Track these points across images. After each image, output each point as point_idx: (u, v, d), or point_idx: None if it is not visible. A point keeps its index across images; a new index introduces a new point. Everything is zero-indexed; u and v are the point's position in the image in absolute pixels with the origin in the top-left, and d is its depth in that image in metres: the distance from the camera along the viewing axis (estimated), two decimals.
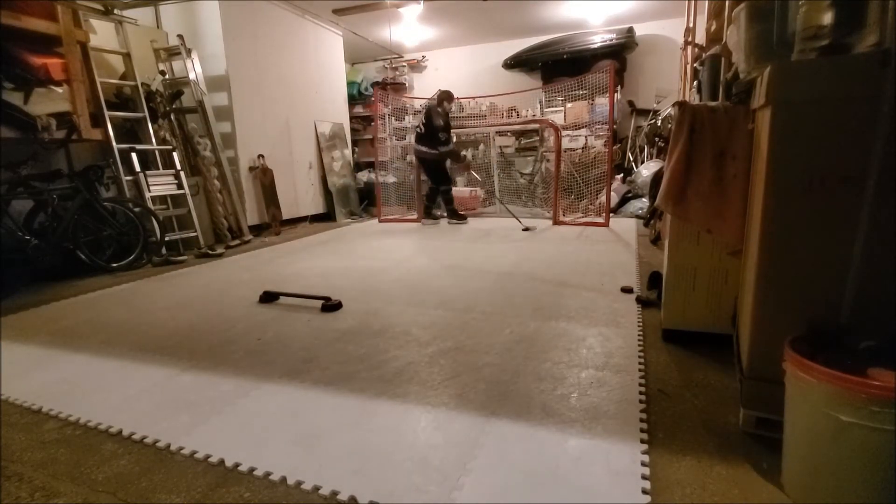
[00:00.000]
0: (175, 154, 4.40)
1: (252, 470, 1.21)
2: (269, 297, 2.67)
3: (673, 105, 4.29)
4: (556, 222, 5.19)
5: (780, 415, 1.12)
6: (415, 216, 5.93)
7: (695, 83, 2.92)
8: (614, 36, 6.59)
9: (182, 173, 4.38)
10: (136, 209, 3.84)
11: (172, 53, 4.78)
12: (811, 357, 1.00)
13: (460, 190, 6.59)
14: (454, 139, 5.49)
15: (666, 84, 6.47)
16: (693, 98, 2.96)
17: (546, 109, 6.88)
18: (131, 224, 3.76)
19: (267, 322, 2.33)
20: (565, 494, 1.09)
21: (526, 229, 4.38)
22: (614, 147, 5.96)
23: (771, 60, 1.23)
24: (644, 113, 6.67)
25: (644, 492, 1.09)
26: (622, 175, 6.27)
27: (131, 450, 1.33)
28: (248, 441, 1.34)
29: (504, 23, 6.73)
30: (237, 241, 4.70)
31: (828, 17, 1.16)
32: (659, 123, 5.92)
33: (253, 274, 3.40)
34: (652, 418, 1.38)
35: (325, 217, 6.38)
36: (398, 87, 8.01)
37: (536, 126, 6.55)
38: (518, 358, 1.82)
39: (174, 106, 4.68)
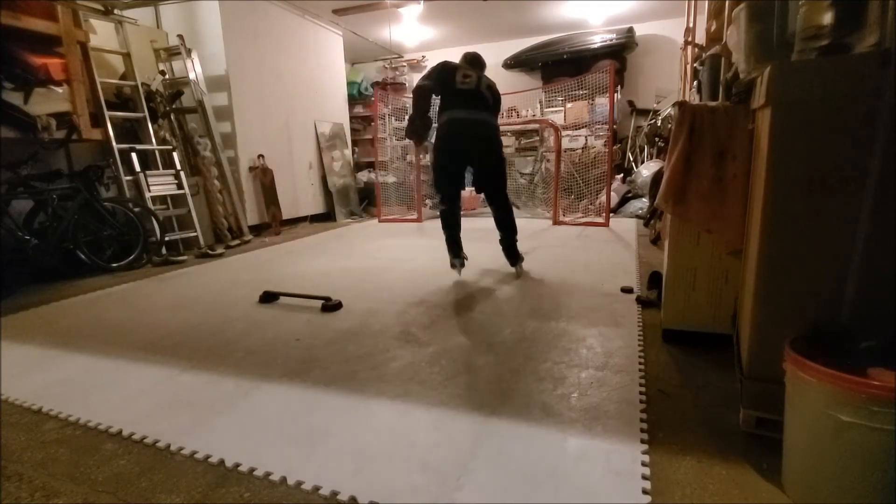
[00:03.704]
0: (175, 154, 4.40)
1: (252, 470, 1.21)
2: (269, 297, 2.67)
3: (673, 105, 4.29)
4: (556, 222, 5.19)
5: (780, 415, 1.12)
6: (415, 216, 5.93)
7: (695, 83, 2.92)
8: (614, 36, 6.59)
9: (182, 173, 4.38)
10: (136, 209, 3.83)
11: (172, 53, 4.77)
12: (811, 357, 1.00)
13: None
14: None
15: (666, 84, 6.46)
16: (693, 98, 2.96)
17: (546, 109, 6.89)
18: (131, 224, 3.76)
19: (267, 322, 2.33)
20: (565, 494, 1.09)
21: None
22: (614, 147, 5.96)
23: (771, 60, 1.23)
24: (644, 113, 6.67)
25: (644, 492, 1.09)
26: (622, 175, 6.27)
27: (131, 450, 1.33)
28: (248, 441, 1.34)
29: (504, 23, 6.73)
30: (237, 241, 4.70)
31: (828, 17, 1.16)
32: (659, 123, 5.92)
33: (253, 274, 3.40)
34: (652, 418, 1.38)
35: (325, 217, 6.39)
36: (398, 87, 8.00)
37: (536, 126, 6.56)
38: (518, 358, 1.82)
39: (174, 106, 4.68)
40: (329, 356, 1.90)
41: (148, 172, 4.16)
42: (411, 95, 2.98)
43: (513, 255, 3.11)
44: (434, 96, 2.89)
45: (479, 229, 5.02)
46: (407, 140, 3.58)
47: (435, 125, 2.94)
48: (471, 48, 3.24)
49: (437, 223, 3.72)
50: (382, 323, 2.25)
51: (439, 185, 3.03)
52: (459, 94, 2.83)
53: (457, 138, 2.84)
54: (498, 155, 3.00)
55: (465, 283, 2.95)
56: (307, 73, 5.98)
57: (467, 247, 3.15)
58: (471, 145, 2.87)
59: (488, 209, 3.17)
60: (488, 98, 2.90)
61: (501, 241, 3.12)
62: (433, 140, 2.95)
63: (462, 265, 3.07)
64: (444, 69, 2.89)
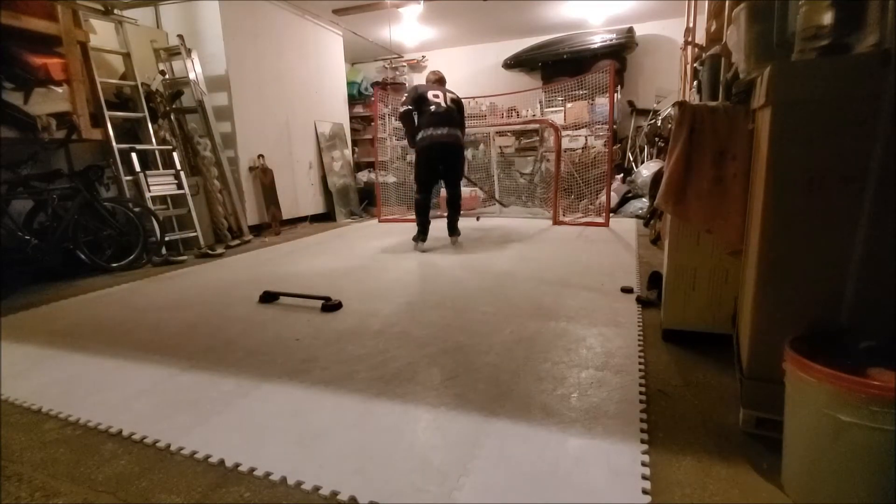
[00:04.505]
0: (175, 154, 4.40)
1: (252, 470, 1.21)
2: (269, 297, 2.67)
3: (673, 105, 4.29)
4: (556, 222, 5.19)
5: (780, 415, 1.12)
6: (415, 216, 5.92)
7: (695, 83, 2.92)
8: (614, 36, 6.59)
9: (182, 173, 4.38)
10: (136, 209, 3.83)
11: (172, 53, 4.77)
12: (811, 357, 1.00)
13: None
14: None
15: (666, 84, 6.46)
16: (693, 98, 2.96)
17: (546, 109, 6.88)
18: (131, 224, 3.76)
19: (267, 322, 2.33)
20: (565, 494, 1.09)
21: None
22: (614, 147, 5.96)
23: (771, 60, 1.23)
24: (644, 113, 6.67)
25: (644, 492, 1.09)
26: (622, 175, 6.27)
27: (131, 450, 1.33)
28: (248, 441, 1.34)
29: (504, 23, 6.73)
30: (237, 241, 4.70)
31: (828, 17, 1.16)
32: (659, 123, 5.92)
33: (253, 274, 3.40)
34: (652, 418, 1.38)
35: (325, 217, 6.38)
36: (398, 87, 8.00)
37: (536, 126, 6.55)
38: (518, 358, 1.82)
39: (174, 106, 4.68)
40: (329, 356, 1.90)
41: (148, 172, 4.16)
42: (400, 119, 4.07)
43: (454, 229, 4.24)
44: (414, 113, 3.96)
45: (478, 229, 5.03)
46: (406, 142, 4.38)
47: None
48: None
49: (439, 224, 4.26)
50: (382, 323, 2.25)
51: (421, 182, 4.09)
52: (434, 115, 3.86)
53: (435, 150, 3.90)
54: (462, 157, 4.23)
55: (464, 283, 2.95)
56: (307, 73, 5.98)
57: (466, 247, 3.15)
58: (445, 154, 3.96)
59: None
60: (454, 111, 3.99)
61: (448, 217, 4.24)
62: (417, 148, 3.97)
63: (422, 246, 4.05)
64: (418, 92, 3.94)
